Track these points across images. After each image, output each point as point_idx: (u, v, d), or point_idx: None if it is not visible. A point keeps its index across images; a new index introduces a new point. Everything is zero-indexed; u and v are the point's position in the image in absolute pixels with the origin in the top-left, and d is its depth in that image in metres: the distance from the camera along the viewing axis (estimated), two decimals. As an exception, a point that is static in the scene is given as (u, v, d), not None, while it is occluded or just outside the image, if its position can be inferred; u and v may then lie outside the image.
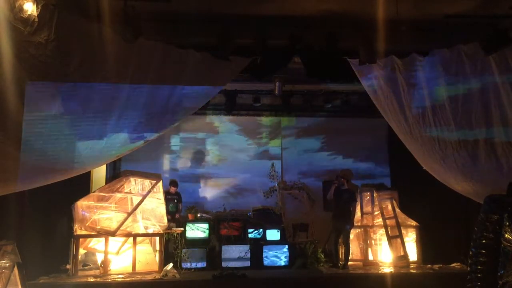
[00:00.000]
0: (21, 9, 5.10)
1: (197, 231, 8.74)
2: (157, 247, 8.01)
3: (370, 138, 10.87)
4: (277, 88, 9.26)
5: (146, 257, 7.93)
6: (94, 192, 8.40)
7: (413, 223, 8.90)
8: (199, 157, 10.64)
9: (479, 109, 6.80)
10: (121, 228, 7.66)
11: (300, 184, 10.17)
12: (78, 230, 7.72)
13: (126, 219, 7.75)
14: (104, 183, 9.14)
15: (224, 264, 8.26)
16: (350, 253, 8.57)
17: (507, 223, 4.29)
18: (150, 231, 8.19)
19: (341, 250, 8.44)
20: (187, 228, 8.61)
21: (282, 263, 8.51)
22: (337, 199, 8.55)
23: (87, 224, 7.83)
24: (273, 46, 7.07)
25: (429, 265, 8.35)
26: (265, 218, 9.15)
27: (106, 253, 7.61)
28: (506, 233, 4.26)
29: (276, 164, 10.41)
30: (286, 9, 6.55)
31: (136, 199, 8.05)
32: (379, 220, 8.85)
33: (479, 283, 4.37)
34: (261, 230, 8.80)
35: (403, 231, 8.73)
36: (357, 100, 10.25)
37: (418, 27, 6.79)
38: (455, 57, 6.80)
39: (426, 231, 8.83)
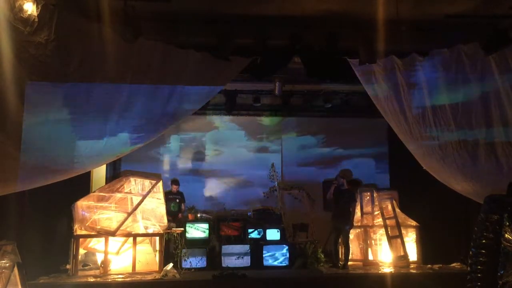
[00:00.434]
0: (21, 9, 5.10)
1: (197, 231, 8.74)
2: (157, 247, 8.01)
3: (370, 138, 10.89)
4: (277, 88, 9.26)
5: (146, 257, 7.93)
6: (94, 192, 8.40)
7: (413, 223, 8.89)
8: (199, 157, 10.64)
9: (479, 109, 6.80)
10: (121, 228, 7.66)
11: (300, 184, 10.17)
12: (78, 230, 7.71)
13: (126, 219, 7.75)
14: (104, 183, 9.14)
15: (224, 264, 8.26)
16: (350, 253, 8.57)
17: (507, 223, 4.29)
18: (150, 231, 8.19)
19: (341, 250, 8.43)
20: (187, 228, 8.61)
21: (282, 261, 8.51)
22: (337, 199, 8.54)
23: (87, 224, 7.83)
24: (273, 46, 7.07)
25: (429, 265, 8.35)
26: (265, 218, 9.15)
27: (106, 253, 7.61)
28: (506, 233, 4.26)
29: (276, 164, 10.40)
30: (286, 9, 6.55)
31: (136, 199, 8.05)
32: (379, 220, 8.85)
33: (479, 283, 4.37)
34: (261, 230, 8.80)
35: (403, 231, 8.72)
36: (357, 100, 10.25)
37: (418, 27, 6.79)
38: (455, 57, 6.80)
39: (426, 231, 8.83)
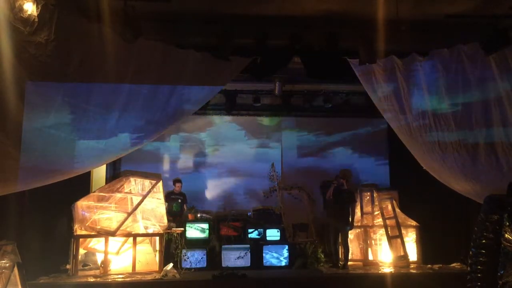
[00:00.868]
0: (21, 9, 5.10)
1: (197, 231, 8.74)
2: (157, 247, 8.01)
3: (370, 138, 10.89)
4: (277, 88, 9.27)
5: (146, 257, 7.93)
6: (94, 192, 8.40)
7: (413, 223, 8.90)
8: (199, 157, 10.64)
9: (479, 109, 6.80)
10: (121, 228, 7.66)
11: (300, 184, 10.16)
12: (78, 230, 7.72)
13: (126, 219, 7.75)
14: (104, 183, 9.14)
15: (224, 264, 8.26)
16: (350, 253, 8.57)
17: (507, 223, 4.29)
18: (150, 231, 8.19)
19: (341, 250, 8.43)
20: (187, 228, 8.61)
21: (282, 261, 8.51)
22: (337, 199, 8.54)
23: (87, 224, 7.83)
24: (273, 46, 7.07)
25: (429, 265, 8.35)
26: (265, 218, 9.15)
27: (106, 253, 7.61)
28: (506, 233, 4.26)
29: (276, 164, 10.40)
30: (286, 9, 6.55)
31: (136, 199, 8.05)
32: (379, 220, 8.85)
33: (479, 283, 4.37)
34: (261, 230, 8.80)
35: (403, 231, 8.73)
36: (357, 100, 10.26)
37: (418, 27, 6.78)
38: (455, 57, 6.79)
39: (426, 231, 8.83)
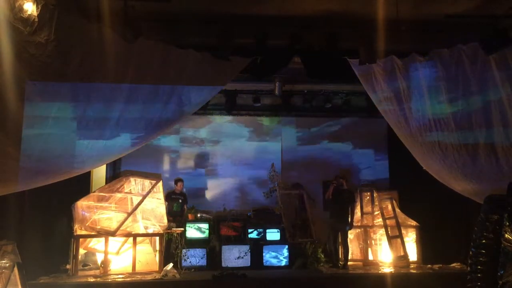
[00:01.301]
0: (21, 9, 5.10)
1: (197, 231, 8.74)
2: (157, 247, 8.01)
3: (370, 138, 10.90)
4: (277, 88, 9.27)
5: (146, 257, 7.93)
6: (94, 192, 8.41)
7: (413, 223, 8.90)
8: (198, 157, 10.64)
9: (479, 109, 6.79)
10: (121, 228, 7.66)
11: (300, 184, 10.17)
12: (78, 230, 7.72)
13: (126, 219, 7.75)
14: (104, 183, 9.14)
15: (224, 264, 8.27)
16: (350, 253, 8.57)
17: (507, 223, 4.29)
18: (150, 231, 8.19)
19: (341, 250, 8.44)
20: (187, 228, 8.61)
21: (282, 261, 8.52)
22: (336, 199, 8.55)
23: (87, 224, 7.83)
24: (273, 46, 7.07)
25: (429, 265, 8.35)
26: (265, 218, 9.15)
27: (106, 253, 7.61)
28: (506, 233, 4.26)
29: (276, 164, 10.40)
30: (286, 9, 6.55)
31: (136, 199, 8.05)
32: (379, 220, 8.85)
33: (479, 283, 4.37)
34: (261, 230, 8.80)
35: (403, 231, 8.73)
36: (357, 100, 10.26)
37: (418, 27, 6.78)
38: (455, 57, 6.79)
39: (426, 231, 8.83)
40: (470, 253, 4.65)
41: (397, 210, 8.96)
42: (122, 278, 7.28)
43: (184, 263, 8.11)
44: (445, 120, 6.87)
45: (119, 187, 8.31)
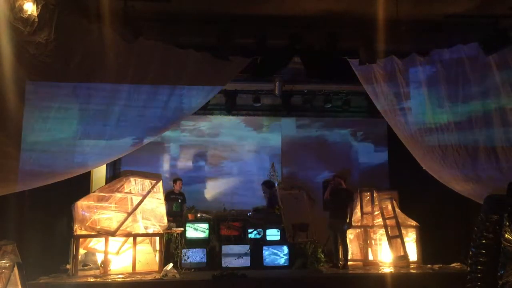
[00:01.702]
0: (21, 9, 5.10)
1: (197, 231, 8.74)
2: (157, 247, 8.00)
3: (370, 138, 10.90)
4: (277, 88, 9.26)
5: (146, 257, 7.92)
6: (94, 192, 8.40)
7: (413, 223, 8.89)
8: (199, 157, 10.65)
9: (479, 109, 6.80)
10: (121, 228, 7.65)
11: (300, 184, 10.16)
12: (78, 230, 7.71)
13: (126, 219, 7.74)
14: (104, 183, 9.14)
15: (224, 264, 8.26)
16: (350, 253, 8.55)
17: (507, 223, 4.29)
18: (150, 231, 8.19)
19: (341, 250, 8.42)
20: (187, 228, 8.61)
21: (282, 261, 8.51)
22: (335, 199, 8.54)
23: (87, 224, 7.82)
24: (273, 46, 7.08)
25: (429, 265, 8.35)
26: (265, 218, 9.15)
27: (106, 253, 7.60)
28: (506, 233, 4.26)
29: (276, 164, 10.40)
30: (286, 9, 6.56)
31: (136, 199, 8.05)
32: (379, 220, 8.84)
33: (479, 283, 4.36)
34: (261, 230, 8.80)
35: (403, 231, 8.72)
36: (357, 100, 10.27)
37: (418, 27, 6.79)
38: (455, 57, 6.80)
39: (426, 231, 8.82)
40: (470, 253, 4.64)
41: (397, 210, 8.95)
42: (122, 278, 7.27)
43: (184, 263, 8.10)
44: (445, 120, 6.88)
45: (119, 187, 8.30)
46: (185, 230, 8.49)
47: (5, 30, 4.98)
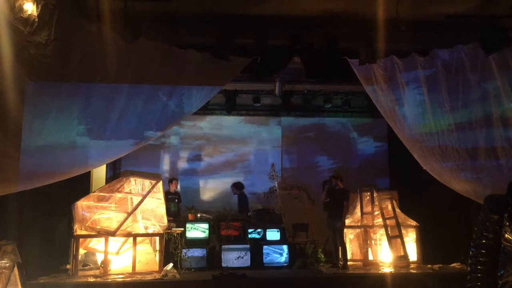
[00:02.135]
0: (21, 9, 5.11)
1: (197, 231, 8.74)
2: (157, 247, 8.00)
3: (369, 138, 10.90)
4: (277, 88, 9.26)
5: (146, 257, 7.92)
6: (94, 192, 8.40)
7: (413, 223, 8.89)
8: (198, 157, 10.65)
9: (479, 109, 6.81)
10: (121, 228, 7.65)
11: (299, 184, 10.16)
12: (78, 230, 7.71)
13: (126, 219, 7.74)
14: (104, 183, 9.14)
15: (224, 264, 8.26)
16: (350, 253, 8.54)
17: (507, 223, 4.30)
18: (150, 231, 8.19)
19: (340, 249, 8.41)
20: (187, 228, 8.61)
21: (282, 261, 8.51)
22: (331, 199, 8.53)
23: (87, 224, 7.82)
24: (273, 46, 7.08)
25: (429, 265, 8.34)
26: (265, 218, 9.15)
27: (106, 253, 7.60)
28: (506, 233, 4.27)
29: (276, 164, 10.40)
30: (286, 9, 6.56)
31: (136, 199, 8.05)
32: (379, 220, 8.84)
33: (479, 283, 4.36)
34: (261, 230, 8.80)
35: (403, 231, 8.72)
36: (357, 100, 10.27)
37: (418, 27, 6.79)
38: (455, 57, 6.81)
39: (426, 231, 8.82)
40: (470, 253, 4.65)
41: (397, 210, 8.95)
42: (122, 278, 7.27)
43: (184, 263, 8.11)
44: (445, 120, 6.88)
45: (119, 187, 8.30)
46: (185, 230, 8.49)
47: (5, 30, 4.98)
